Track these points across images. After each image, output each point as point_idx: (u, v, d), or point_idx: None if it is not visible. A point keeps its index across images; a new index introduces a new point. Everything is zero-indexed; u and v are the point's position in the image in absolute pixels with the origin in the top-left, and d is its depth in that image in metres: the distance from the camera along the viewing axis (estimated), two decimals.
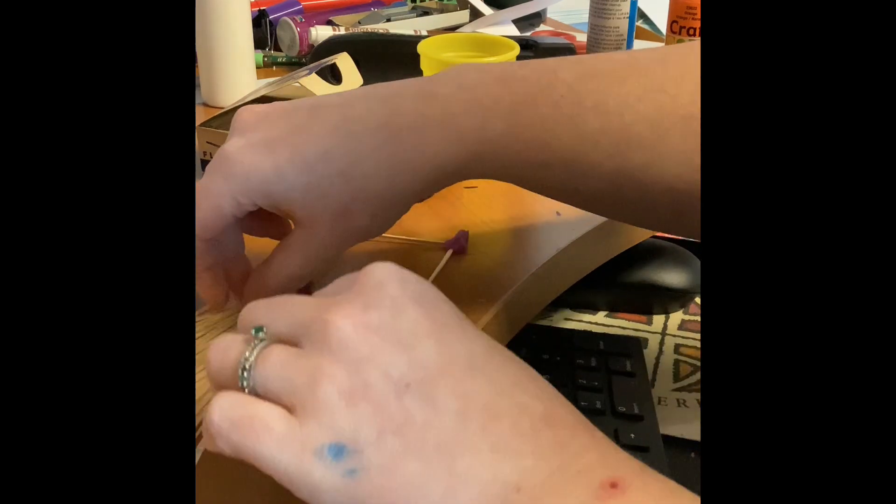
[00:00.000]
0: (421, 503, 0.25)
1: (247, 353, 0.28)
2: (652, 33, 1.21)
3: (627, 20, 0.80)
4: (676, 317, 0.67)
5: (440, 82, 0.39)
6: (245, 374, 0.28)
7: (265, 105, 0.39)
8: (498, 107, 0.37)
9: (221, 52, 0.71)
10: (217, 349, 0.29)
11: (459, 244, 0.50)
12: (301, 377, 0.27)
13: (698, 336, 0.64)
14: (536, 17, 0.99)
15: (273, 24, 0.90)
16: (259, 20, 0.90)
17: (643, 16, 1.33)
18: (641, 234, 0.58)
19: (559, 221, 0.54)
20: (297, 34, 0.85)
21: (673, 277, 0.66)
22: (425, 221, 0.54)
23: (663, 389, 0.58)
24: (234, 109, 0.62)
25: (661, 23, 1.27)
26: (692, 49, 0.38)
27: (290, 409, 0.27)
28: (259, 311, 0.30)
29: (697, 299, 0.68)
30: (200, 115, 0.70)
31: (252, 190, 0.37)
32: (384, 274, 0.29)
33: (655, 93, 0.37)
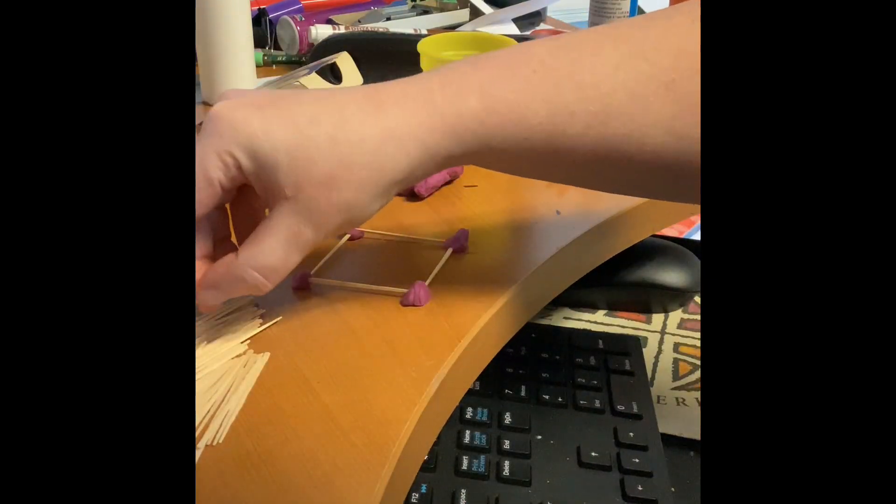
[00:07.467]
0: None
1: None
2: None
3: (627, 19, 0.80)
4: (676, 316, 0.67)
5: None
6: None
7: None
8: (470, 82, 0.38)
9: (221, 51, 0.71)
10: None
11: (459, 243, 0.50)
12: None
13: (698, 335, 0.64)
14: (536, 16, 0.99)
15: (273, 23, 0.90)
16: (259, 19, 0.90)
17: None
18: (641, 234, 0.58)
19: (559, 220, 0.54)
20: (296, 33, 0.85)
21: (672, 276, 0.66)
22: (425, 220, 0.54)
23: (662, 388, 0.58)
24: None
25: None
26: (678, 10, 0.37)
27: None
28: None
29: (697, 298, 0.68)
30: (200, 115, 0.70)
31: (239, 145, 0.37)
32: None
33: (634, 59, 0.36)
